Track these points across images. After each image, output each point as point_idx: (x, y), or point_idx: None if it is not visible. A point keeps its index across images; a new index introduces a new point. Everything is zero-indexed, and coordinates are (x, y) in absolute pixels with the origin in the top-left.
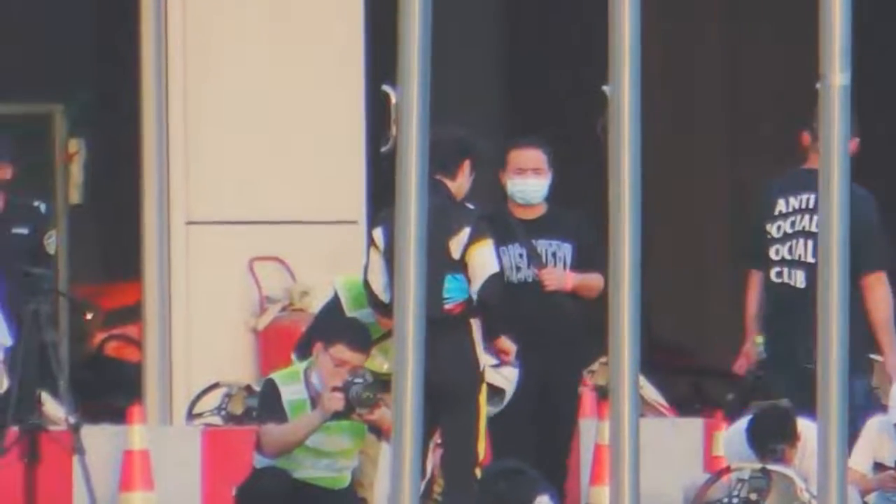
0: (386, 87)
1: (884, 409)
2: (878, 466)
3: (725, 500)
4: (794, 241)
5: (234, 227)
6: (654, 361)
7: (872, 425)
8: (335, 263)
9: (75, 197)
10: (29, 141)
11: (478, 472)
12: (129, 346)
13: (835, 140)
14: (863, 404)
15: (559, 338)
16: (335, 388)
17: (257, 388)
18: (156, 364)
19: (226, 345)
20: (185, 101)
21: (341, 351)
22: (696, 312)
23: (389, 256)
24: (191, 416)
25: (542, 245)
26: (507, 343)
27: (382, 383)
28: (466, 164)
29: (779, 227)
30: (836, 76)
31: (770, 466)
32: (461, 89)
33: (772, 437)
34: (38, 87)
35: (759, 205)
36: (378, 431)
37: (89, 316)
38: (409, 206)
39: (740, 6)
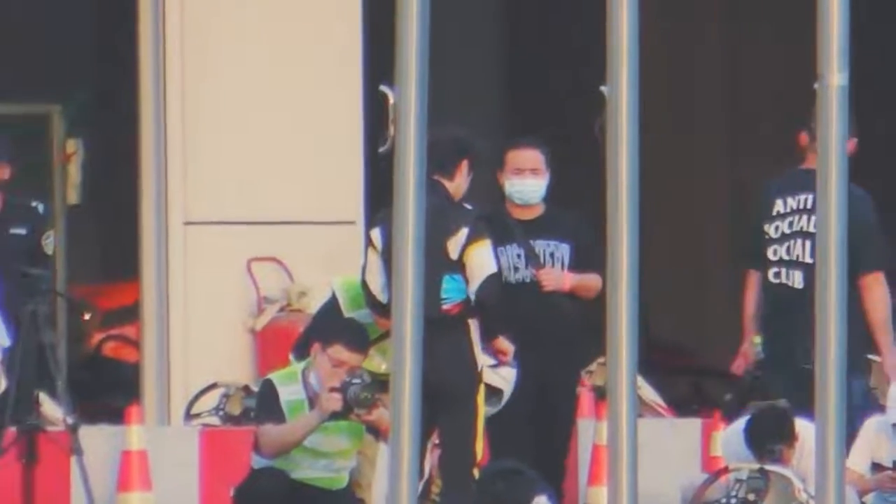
0: (384, 88)
1: (882, 409)
2: (876, 467)
3: (723, 500)
4: (793, 242)
5: (232, 227)
6: (651, 361)
7: (870, 426)
8: (333, 264)
9: (73, 197)
10: (27, 141)
11: (476, 473)
12: (126, 347)
13: (832, 140)
14: (861, 404)
15: (557, 338)
16: (333, 389)
17: (255, 389)
18: (154, 364)
19: (224, 345)
20: (183, 101)
21: (339, 351)
22: (694, 312)
23: (387, 257)
24: (189, 416)
25: (540, 245)
26: (504, 343)
27: (380, 384)
28: (464, 165)
29: (777, 228)
30: (834, 76)
31: (768, 467)
32: (460, 90)
33: (770, 438)
34: (36, 87)
35: (757, 205)
36: (376, 432)
37: (87, 316)
38: (406, 206)
39: (740, 6)
